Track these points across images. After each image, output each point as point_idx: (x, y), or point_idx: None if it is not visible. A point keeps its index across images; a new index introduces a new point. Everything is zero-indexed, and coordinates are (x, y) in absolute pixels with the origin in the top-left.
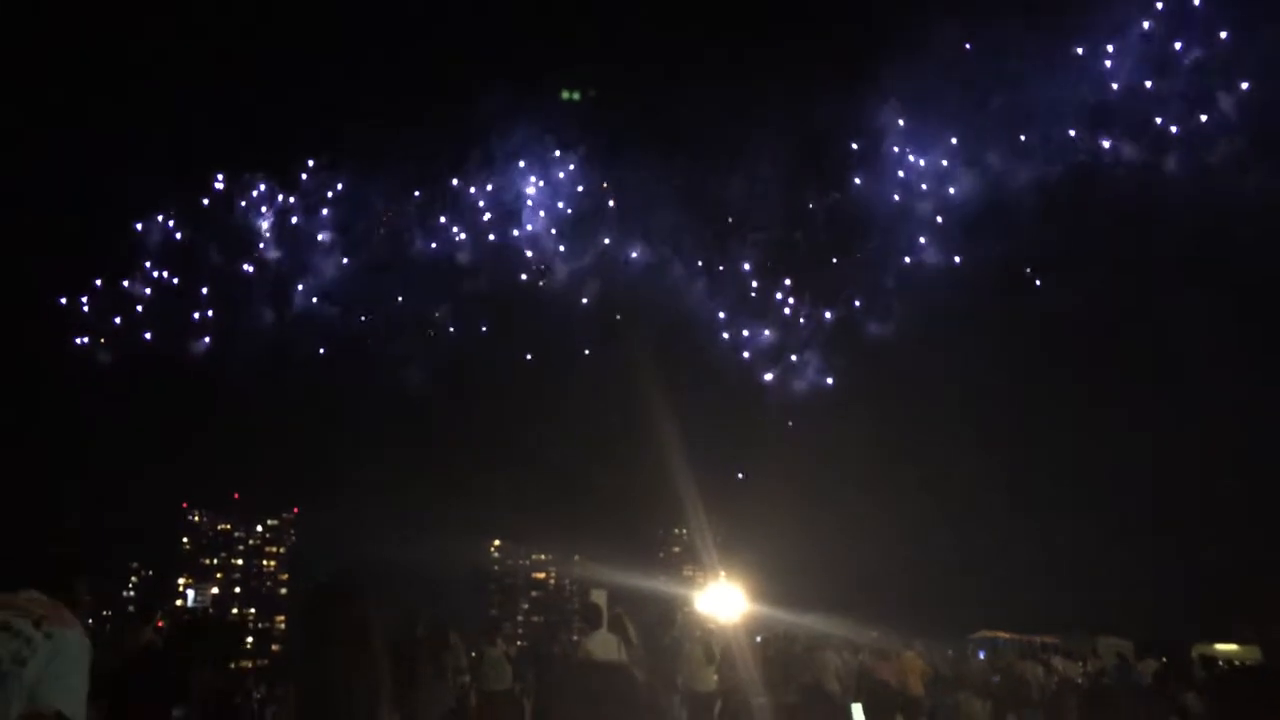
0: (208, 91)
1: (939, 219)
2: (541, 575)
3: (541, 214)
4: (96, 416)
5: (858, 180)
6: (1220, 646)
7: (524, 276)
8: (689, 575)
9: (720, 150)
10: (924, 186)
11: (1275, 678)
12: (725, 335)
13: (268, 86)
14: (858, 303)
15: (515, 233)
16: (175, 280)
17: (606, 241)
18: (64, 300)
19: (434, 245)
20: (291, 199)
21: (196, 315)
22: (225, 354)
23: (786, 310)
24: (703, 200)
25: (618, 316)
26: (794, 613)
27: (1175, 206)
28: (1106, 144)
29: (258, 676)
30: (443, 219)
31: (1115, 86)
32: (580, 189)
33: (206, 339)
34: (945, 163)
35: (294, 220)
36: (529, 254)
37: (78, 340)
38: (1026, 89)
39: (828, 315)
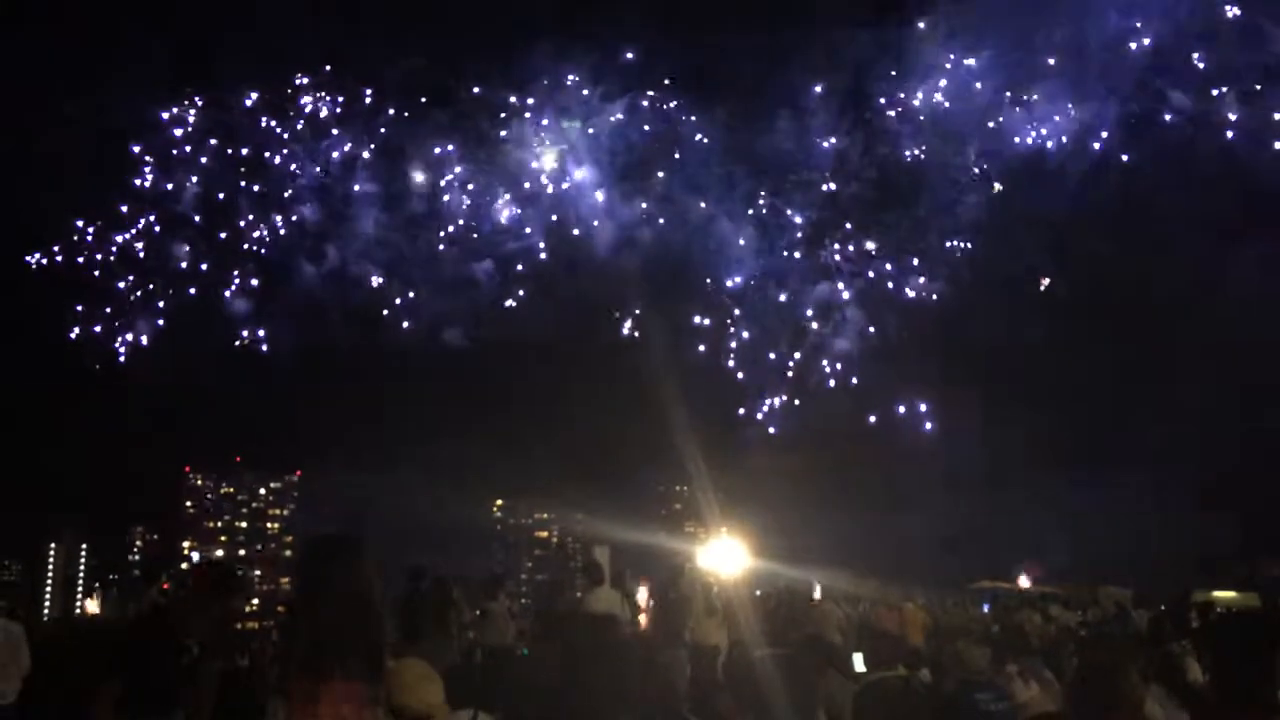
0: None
1: (982, 170)
2: (544, 534)
3: (576, 169)
4: (97, 379)
5: (896, 131)
6: (1219, 594)
7: (539, 234)
8: (690, 532)
9: (761, 99)
10: (968, 137)
11: (1264, 624)
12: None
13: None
14: (891, 264)
15: (534, 185)
16: (167, 226)
17: (639, 197)
18: (37, 253)
19: (463, 201)
20: (311, 141)
21: (199, 269)
22: (229, 313)
23: (795, 254)
24: (742, 153)
25: (626, 274)
26: (795, 568)
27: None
28: (1166, 93)
29: (263, 636)
30: (473, 173)
31: (1179, 31)
32: (622, 143)
33: (212, 292)
34: (993, 111)
35: (314, 170)
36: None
37: (76, 297)
38: (1084, 31)
39: (842, 269)
